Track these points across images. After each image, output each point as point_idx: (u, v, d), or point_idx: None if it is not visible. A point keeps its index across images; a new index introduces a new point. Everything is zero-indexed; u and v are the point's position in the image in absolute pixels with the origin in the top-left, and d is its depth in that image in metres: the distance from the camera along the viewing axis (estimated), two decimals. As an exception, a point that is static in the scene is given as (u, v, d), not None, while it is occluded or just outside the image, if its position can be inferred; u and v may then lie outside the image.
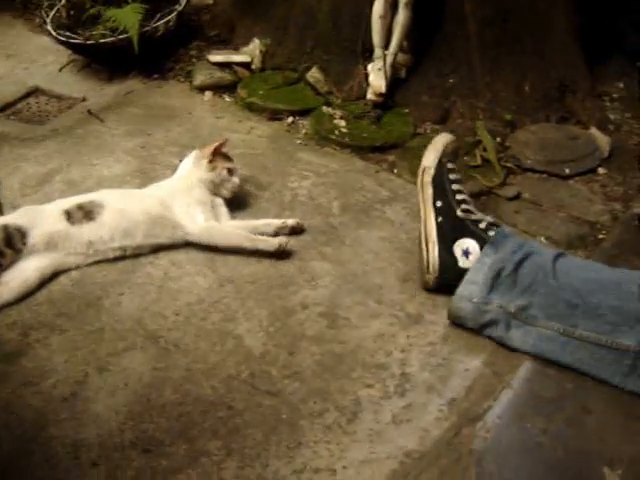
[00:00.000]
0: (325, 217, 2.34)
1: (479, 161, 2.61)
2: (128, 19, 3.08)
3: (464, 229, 1.99)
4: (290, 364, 1.82)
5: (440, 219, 2.03)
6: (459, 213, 2.02)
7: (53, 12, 3.38)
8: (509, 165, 2.61)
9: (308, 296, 2.03)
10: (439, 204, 2.06)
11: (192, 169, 2.32)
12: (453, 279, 1.92)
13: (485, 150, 2.66)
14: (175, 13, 3.26)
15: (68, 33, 3.24)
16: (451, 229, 2.01)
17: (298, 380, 1.78)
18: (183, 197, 2.24)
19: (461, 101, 2.89)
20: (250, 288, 2.06)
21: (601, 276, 1.86)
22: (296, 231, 2.26)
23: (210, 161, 2.31)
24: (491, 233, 1.96)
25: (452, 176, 2.11)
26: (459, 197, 2.06)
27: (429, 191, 2.09)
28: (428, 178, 2.11)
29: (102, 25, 3.19)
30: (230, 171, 2.32)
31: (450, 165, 2.13)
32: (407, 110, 2.92)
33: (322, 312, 1.98)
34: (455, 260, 1.96)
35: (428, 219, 2.05)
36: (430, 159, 2.14)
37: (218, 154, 2.33)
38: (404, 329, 1.93)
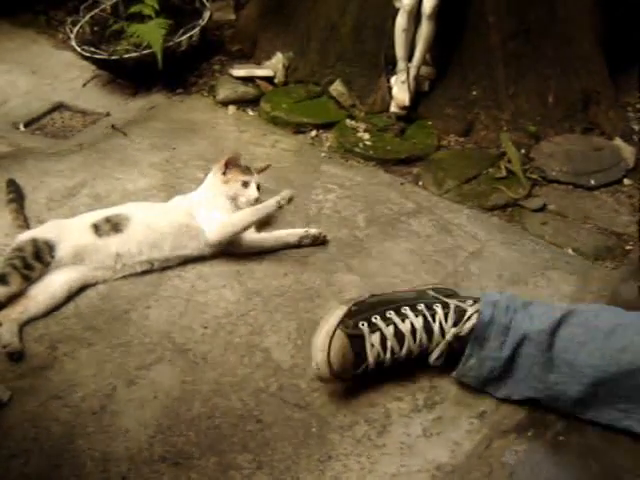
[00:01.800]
0: (351, 230, 2.34)
1: (504, 173, 2.61)
2: (152, 34, 3.10)
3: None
4: (319, 377, 1.81)
5: None
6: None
7: (77, 28, 3.40)
8: (534, 177, 2.60)
9: (335, 309, 2.02)
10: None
11: (213, 181, 2.33)
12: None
13: (510, 162, 2.65)
14: (198, 28, 3.28)
15: (92, 49, 3.26)
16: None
17: (327, 393, 1.77)
18: (205, 204, 2.25)
19: (485, 113, 2.89)
20: (277, 301, 2.05)
21: (609, 354, 1.61)
22: (319, 241, 2.27)
23: (223, 173, 2.31)
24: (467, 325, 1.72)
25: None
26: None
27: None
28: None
29: (126, 40, 3.22)
30: (245, 184, 2.30)
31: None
32: (430, 122, 2.92)
33: (350, 325, 1.97)
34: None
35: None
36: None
37: (234, 167, 2.32)
38: (432, 341, 1.91)
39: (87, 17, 3.46)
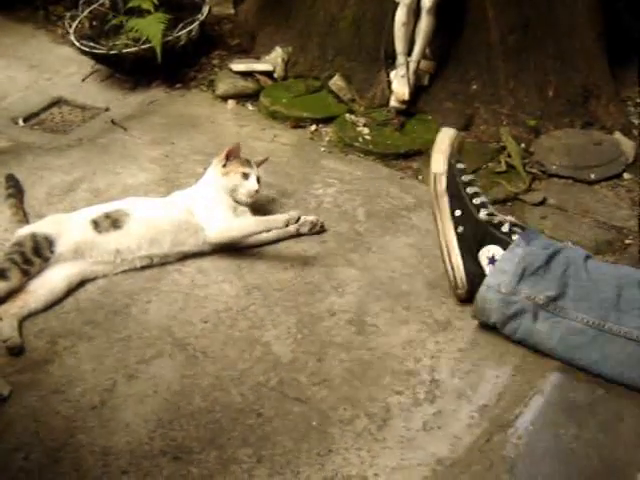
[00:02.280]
0: (351, 224, 2.34)
1: (504, 167, 2.60)
2: (151, 29, 3.09)
3: (487, 235, 1.93)
4: (319, 371, 1.81)
5: (460, 229, 1.98)
6: (480, 217, 1.96)
7: (76, 23, 3.39)
8: (534, 171, 2.60)
9: (335, 303, 2.02)
10: (458, 213, 2.00)
11: (212, 175, 2.32)
12: None
13: (510, 156, 2.65)
14: (197, 23, 3.27)
15: (91, 43, 3.25)
16: (473, 238, 1.95)
17: (327, 387, 1.77)
18: (204, 201, 2.25)
19: (484, 107, 2.89)
20: (277, 295, 2.05)
21: (634, 273, 1.84)
22: (316, 228, 2.27)
23: (223, 165, 2.31)
24: (515, 236, 1.90)
25: (465, 178, 2.04)
26: (476, 201, 1.99)
27: (445, 200, 2.03)
28: (441, 186, 2.03)
29: (125, 35, 3.21)
30: (245, 175, 2.29)
31: (460, 165, 2.06)
32: (430, 117, 2.92)
33: (350, 319, 1.97)
34: (482, 270, 1.92)
35: (447, 231, 2.00)
36: (439, 163, 2.06)
37: (235, 159, 2.32)
38: (433, 335, 1.91)
39: (86, 12, 3.45)
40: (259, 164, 2.38)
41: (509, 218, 1.97)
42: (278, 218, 2.15)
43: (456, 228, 1.99)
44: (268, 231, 2.20)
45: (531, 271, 1.82)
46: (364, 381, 1.79)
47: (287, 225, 2.14)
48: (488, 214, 1.96)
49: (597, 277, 1.80)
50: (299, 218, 2.16)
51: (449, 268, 1.98)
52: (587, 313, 1.75)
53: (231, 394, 1.75)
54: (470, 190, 2.01)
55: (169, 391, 1.76)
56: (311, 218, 2.28)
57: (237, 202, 2.28)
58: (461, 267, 1.96)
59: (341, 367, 1.82)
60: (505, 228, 1.93)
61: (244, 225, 2.20)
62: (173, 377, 1.80)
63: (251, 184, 2.28)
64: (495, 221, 1.95)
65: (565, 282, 1.80)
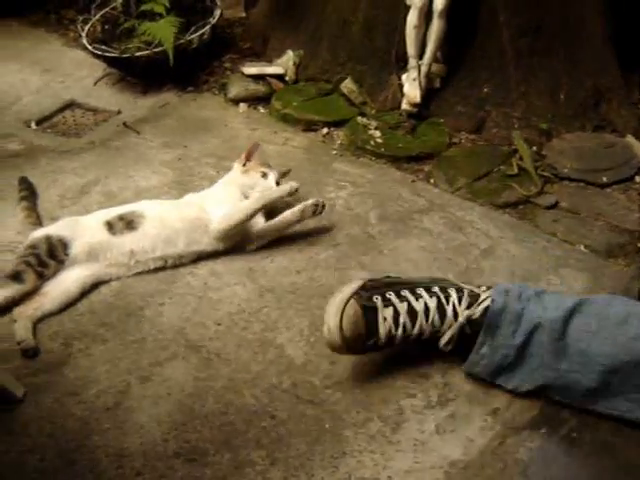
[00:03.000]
0: (363, 227, 2.34)
1: (516, 170, 2.60)
2: (163, 32, 3.10)
3: None
4: (332, 374, 1.81)
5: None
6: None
7: (88, 26, 3.41)
8: (546, 174, 2.60)
9: (348, 305, 2.03)
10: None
11: (232, 176, 2.35)
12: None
13: (521, 159, 2.65)
14: (209, 26, 3.29)
15: (104, 47, 3.27)
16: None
17: (340, 390, 1.77)
18: (215, 198, 2.28)
19: (496, 110, 2.88)
20: (290, 298, 2.06)
21: (622, 342, 1.62)
22: (319, 209, 2.26)
23: (244, 164, 2.33)
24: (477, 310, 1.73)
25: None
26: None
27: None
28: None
29: (137, 39, 3.22)
30: (264, 175, 2.32)
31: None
32: (442, 120, 2.92)
33: (363, 321, 1.97)
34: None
35: None
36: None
37: (255, 159, 2.35)
38: (445, 338, 1.92)
39: (98, 15, 3.47)
40: (283, 175, 2.40)
41: (463, 305, 1.75)
42: (273, 190, 2.22)
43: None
44: (269, 205, 2.21)
45: (504, 367, 1.72)
46: (377, 384, 1.79)
47: (289, 194, 2.19)
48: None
49: (579, 362, 1.64)
50: (297, 189, 2.20)
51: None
52: (574, 401, 1.68)
53: (244, 396, 1.76)
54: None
55: (183, 393, 1.77)
56: (311, 201, 2.27)
57: None
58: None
59: (354, 370, 1.83)
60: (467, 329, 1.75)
61: (244, 205, 2.21)
62: (187, 379, 1.81)
63: (270, 183, 2.30)
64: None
65: (544, 374, 1.69)
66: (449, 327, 1.73)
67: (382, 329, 1.71)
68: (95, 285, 2.10)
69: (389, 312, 1.72)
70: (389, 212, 2.41)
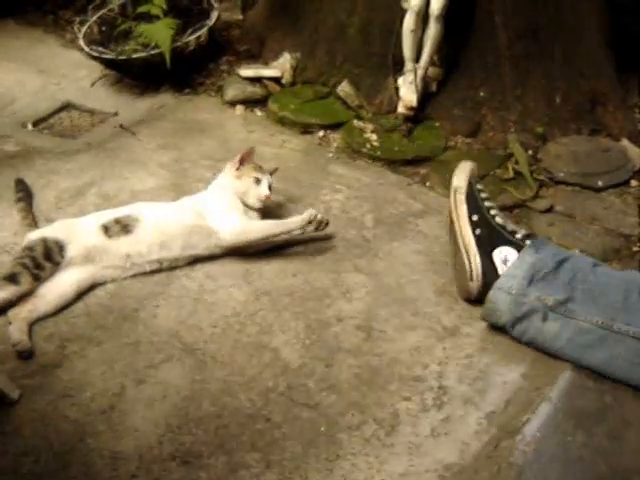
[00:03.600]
0: (359, 230, 2.34)
1: (511, 174, 2.61)
2: (160, 34, 3.10)
3: (501, 238, 2.01)
4: (327, 377, 1.82)
5: (478, 231, 2.04)
6: (495, 222, 2.04)
7: (85, 28, 3.41)
8: (541, 178, 2.61)
9: (343, 309, 2.03)
10: (475, 218, 2.07)
11: (224, 179, 2.33)
12: None
13: (517, 163, 2.65)
14: (206, 28, 3.28)
15: (100, 48, 3.27)
16: (489, 239, 2.02)
17: (335, 393, 1.77)
18: (216, 205, 2.25)
19: (492, 114, 2.89)
20: (286, 301, 2.06)
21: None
22: (322, 227, 2.25)
23: (237, 169, 2.32)
24: (527, 241, 1.98)
25: (483, 194, 2.14)
26: (493, 212, 2.08)
27: (463, 207, 2.11)
28: (461, 196, 2.14)
29: (134, 40, 3.22)
30: (257, 180, 2.30)
31: (479, 185, 2.18)
32: (438, 123, 2.92)
33: (358, 325, 1.98)
34: (495, 268, 1.97)
35: (465, 233, 2.05)
36: (460, 179, 2.19)
37: (248, 163, 2.33)
38: (440, 341, 1.92)
39: (95, 17, 3.46)
40: (271, 173, 2.39)
41: (523, 230, 2.05)
42: (296, 220, 2.19)
43: (474, 230, 2.05)
44: (287, 233, 2.21)
45: (540, 276, 1.87)
46: (372, 387, 1.79)
47: (309, 223, 2.19)
48: (503, 221, 2.04)
49: (605, 282, 1.87)
50: (316, 216, 2.20)
51: (466, 263, 2.01)
52: (595, 315, 1.79)
53: (240, 399, 1.76)
54: (487, 204, 2.11)
55: (178, 396, 1.77)
56: (319, 216, 2.25)
57: (247, 206, 2.28)
58: (478, 261, 2.00)
59: (349, 373, 1.83)
60: (518, 235, 2.00)
61: (262, 227, 2.22)
62: (182, 382, 1.81)
63: (262, 189, 2.28)
64: (509, 228, 2.03)
65: (573, 287, 1.85)
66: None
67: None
68: (90, 287, 2.10)
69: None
70: (385, 215, 2.41)
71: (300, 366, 1.85)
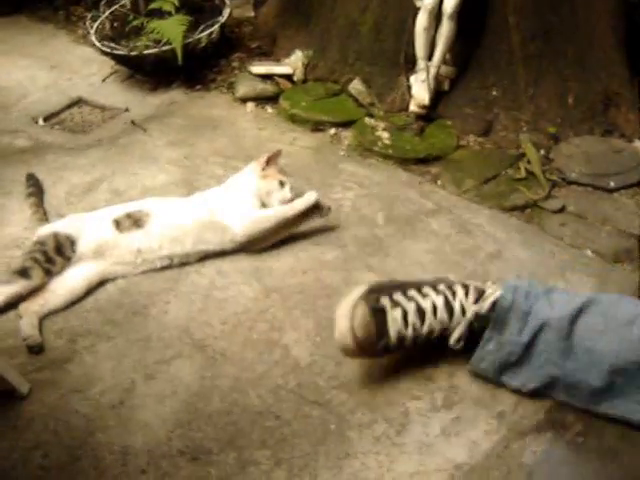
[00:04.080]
0: (370, 228, 2.33)
1: (523, 174, 2.60)
2: (172, 31, 3.10)
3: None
4: (337, 375, 1.81)
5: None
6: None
7: (97, 24, 3.41)
8: (554, 178, 2.59)
9: (354, 307, 2.02)
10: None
11: (246, 178, 2.33)
12: None
13: (529, 163, 2.64)
14: (218, 25, 3.28)
15: (112, 44, 3.27)
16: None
17: (346, 391, 1.76)
18: (233, 200, 2.26)
19: (504, 113, 2.88)
20: (296, 298, 2.05)
21: (629, 343, 1.62)
22: (325, 212, 2.28)
23: (263, 169, 2.32)
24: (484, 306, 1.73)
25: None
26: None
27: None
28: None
29: (145, 36, 3.23)
30: (282, 183, 2.31)
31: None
32: (450, 122, 2.91)
33: (368, 323, 1.97)
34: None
35: None
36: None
37: (273, 165, 2.34)
38: (451, 341, 1.91)
39: (107, 13, 3.47)
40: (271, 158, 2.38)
41: (470, 300, 1.75)
42: (302, 200, 2.24)
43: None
44: (300, 216, 2.24)
45: (510, 364, 1.72)
46: (383, 385, 1.78)
47: (316, 204, 2.23)
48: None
49: (586, 361, 1.64)
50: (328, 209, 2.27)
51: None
52: (578, 401, 1.67)
53: (250, 396, 1.75)
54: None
55: (188, 392, 1.77)
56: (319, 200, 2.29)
57: (264, 206, 2.29)
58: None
59: (360, 370, 1.82)
60: (475, 325, 1.74)
61: (274, 213, 2.23)
62: (192, 378, 1.80)
63: (286, 193, 2.30)
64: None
65: (549, 373, 1.69)
66: (458, 323, 1.73)
67: (392, 330, 1.71)
68: (101, 282, 2.10)
69: (398, 312, 1.72)
70: (396, 214, 2.40)
71: (310, 364, 1.84)
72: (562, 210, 2.45)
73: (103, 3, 3.52)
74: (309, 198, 2.24)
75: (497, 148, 2.79)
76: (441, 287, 1.76)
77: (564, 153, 2.70)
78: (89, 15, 3.57)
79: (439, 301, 1.73)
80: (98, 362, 1.86)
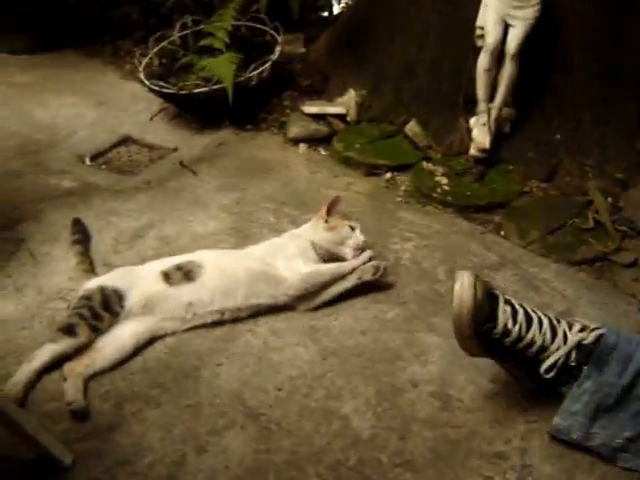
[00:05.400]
0: (431, 283, 2.22)
1: (591, 224, 2.47)
2: (223, 69, 3.03)
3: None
4: (401, 450, 1.69)
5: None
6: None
7: (145, 60, 3.34)
8: (623, 228, 2.45)
9: (417, 373, 1.90)
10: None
11: (306, 231, 2.27)
12: None
13: (597, 212, 2.51)
14: (269, 63, 3.19)
15: (161, 82, 3.19)
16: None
17: (410, 469, 1.64)
18: (286, 252, 2.17)
19: (569, 158, 2.76)
20: (355, 362, 1.94)
21: None
22: (379, 272, 2.16)
23: (326, 221, 2.23)
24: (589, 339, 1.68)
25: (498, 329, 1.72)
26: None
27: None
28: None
29: (195, 74, 3.16)
30: (352, 228, 2.25)
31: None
32: (512, 167, 2.80)
33: (433, 391, 1.84)
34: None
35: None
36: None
37: (335, 214, 2.28)
38: (522, 413, 1.78)
39: (156, 49, 3.40)
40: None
41: (575, 330, 1.72)
42: (355, 261, 2.19)
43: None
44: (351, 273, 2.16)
45: (604, 408, 1.65)
46: (450, 463, 1.66)
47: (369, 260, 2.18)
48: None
49: None
50: (371, 259, 2.19)
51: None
52: None
53: (307, 473, 1.63)
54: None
55: (241, 467, 1.65)
56: (373, 262, 2.19)
57: (334, 257, 2.24)
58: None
59: (425, 446, 1.70)
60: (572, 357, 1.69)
61: (327, 268, 2.16)
62: (245, 451, 1.69)
63: (358, 236, 2.25)
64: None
65: None
66: (557, 348, 1.68)
67: (501, 318, 1.68)
68: (149, 341, 1.99)
69: (508, 308, 1.71)
70: (458, 267, 2.25)
71: (372, 437, 1.72)
72: (634, 264, 2.33)
73: (152, 39, 3.45)
74: (365, 256, 2.19)
75: (562, 195, 2.66)
76: (547, 316, 1.75)
77: (634, 200, 2.56)
78: (137, 51, 3.51)
79: (545, 320, 1.72)
80: (146, 431, 1.75)
